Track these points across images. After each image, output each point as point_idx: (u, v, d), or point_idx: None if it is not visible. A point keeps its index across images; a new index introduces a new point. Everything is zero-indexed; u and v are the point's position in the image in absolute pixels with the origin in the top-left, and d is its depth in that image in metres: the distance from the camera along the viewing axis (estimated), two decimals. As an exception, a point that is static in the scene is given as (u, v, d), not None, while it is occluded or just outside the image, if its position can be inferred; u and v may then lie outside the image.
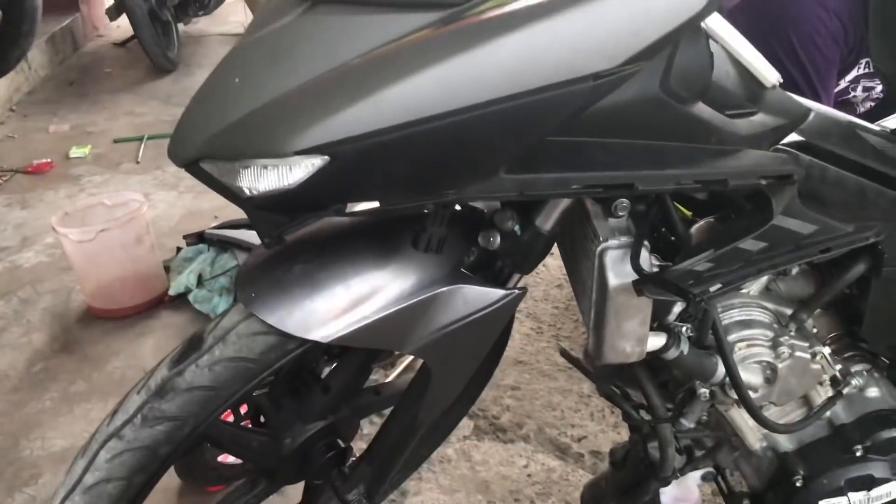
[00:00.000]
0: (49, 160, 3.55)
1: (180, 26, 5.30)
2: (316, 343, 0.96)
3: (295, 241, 1.00)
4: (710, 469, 1.36)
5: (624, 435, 1.87)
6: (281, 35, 0.89)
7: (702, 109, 0.89)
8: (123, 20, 4.86)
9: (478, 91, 0.73)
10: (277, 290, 0.96)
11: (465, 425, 1.88)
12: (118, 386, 2.08)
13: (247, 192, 0.84)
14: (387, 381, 1.96)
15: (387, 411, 1.84)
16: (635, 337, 1.05)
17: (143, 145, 3.69)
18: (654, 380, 1.20)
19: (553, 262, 2.49)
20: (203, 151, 0.86)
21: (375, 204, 0.85)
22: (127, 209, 2.36)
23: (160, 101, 4.38)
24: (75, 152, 3.64)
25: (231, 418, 1.25)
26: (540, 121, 0.77)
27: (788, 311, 1.18)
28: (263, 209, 0.89)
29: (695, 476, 1.36)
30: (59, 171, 3.49)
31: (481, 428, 1.89)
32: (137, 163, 3.53)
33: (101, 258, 2.28)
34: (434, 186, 0.83)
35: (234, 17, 6.06)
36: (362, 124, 0.76)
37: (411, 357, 2.06)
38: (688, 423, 1.23)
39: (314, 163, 0.78)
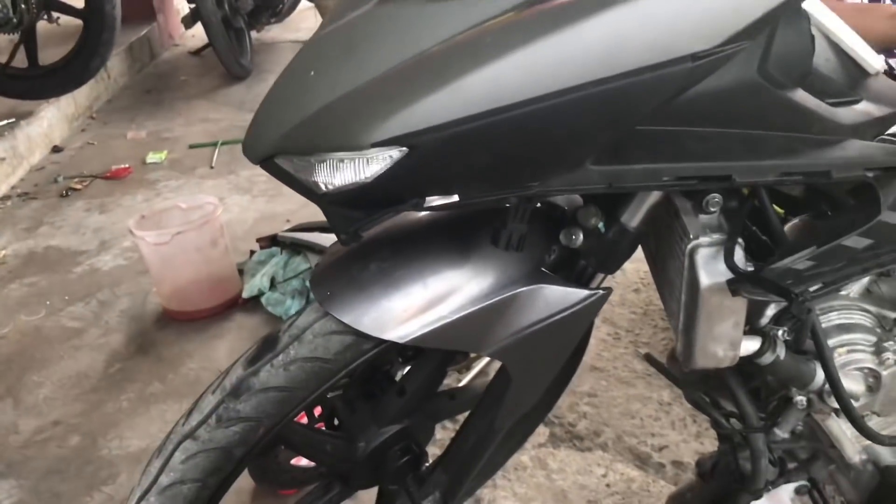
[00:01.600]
0: (127, 165, 3.63)
1: (253, 33, 5.39)
2: (392, 343, 0.93)
3: (370, 239, 0.97)
4: (805, 482, 1.28)
5: (707, 445, 1.79)
6: (356, 27, 0.87)
7: (802, 96, 0.83)
8: (198, 29, 4.96)
9: (566, 76, 0.69)
10: (353, 289, 0.93)
11: (541, 432, 1.83)
12: (193, 387, 2.09)
13: (322, 187, 0.82)
14: (460, 385, 1.93)
15: (460, 416, 1.82)
16: (728, 340, 0.99)
17: (217, 150, 3.74)
18: (745, 386, 1.13)
19: (630, 266, 2.41)
20: (278, 147, 0.84)
21: (454, 198, 0.81)
22: (202, 212, 2.38)
23: (234, 107, 4.44)
24: (152, 158, 3.72)
25: (305, 420, 1.23)
26: (632, 106, 0.72)
27: (892, 315, 1.11)
28: (339, 205, 0.87)
29: (788, 489, 1.29)
30: (137, 177, 3.56)
31: (557, 435, 1.84)
32: (212, 168, 3.58)
33: (176, 261, 2.30)
34: (517, 178, 0.79)
35: (305, 23, 6.13)
36: (443, 114, 0.72)
37: (485, 361, 2.02)
38: (782, 432, 1.17)
39: (392, 155, 0.75)
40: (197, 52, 5.63)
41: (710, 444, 1.79)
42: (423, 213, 1.01)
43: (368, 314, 0.92)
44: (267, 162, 0.87)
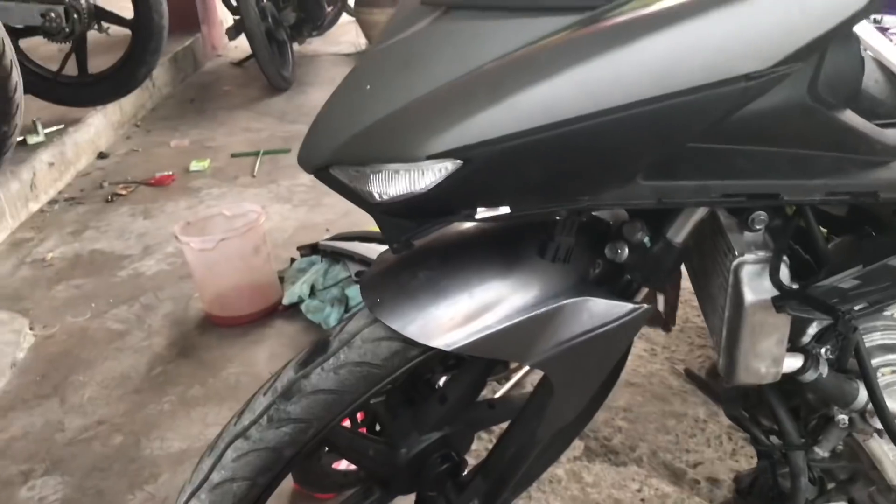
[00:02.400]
0: (171, 173, 3.70)
1: (295, 46, 5.46)
2: (438, 351, 0.95)
3: (419, 249, 0.99)
4: (843, 503, 1.28)
5: (743, 463, 1.79)
6: (413, 42, 0.89)
7: (850, 117, 0.85)
8: (241, 41, 5.04)
9: (621, 93, 0.71)
10: (402, 297, 0.96)
11: (576, 446, 1.84)
12: (233, 391, 2.12)
13: (377, 196, 0.85)
14: (497, 395, 1.94)
15: (496, 427, 1.83)
16: (771, 357, 1.00)
17: (258, 160, 3.80)
18: (785, 404, 1.14)
19: (666, 283, 2.42)
20: (333, 158, 0.87)
21: (505, 210, 0.83)
22: (245, 220, 2.42)
23: (275, 118, 4.51)
24: (195, 166, 3.78)
25: (348, 425, 1.26)
26: (685, 125, 0.74)
27: (937, 336, 1.11)
28: (391, 214, 0.89)
29: (826, 509, 1.28)
30: (180, 184, 3.63)
31: (592, 449, 1.84)
32: (253, 177, 3.64)
33: (219, 267, 2.35)
34: (569, 192, 0.81)
35: (345, 37, 6.20)
36: (498, 128, 0.75)
37: (522, 372, 2.03)
38: (822, 451, 1.17)
39: (447, 167, 0.78)
40: (239, 64, 5.72)
41: (746, 462, 1.78)
42: (471, 224, 1.04)
43: (416, 322, 0.94)
44: (321, 172, 0.90)
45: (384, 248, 2.55)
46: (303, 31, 5.51)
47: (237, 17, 4.81)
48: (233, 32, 5.04)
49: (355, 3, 5.71)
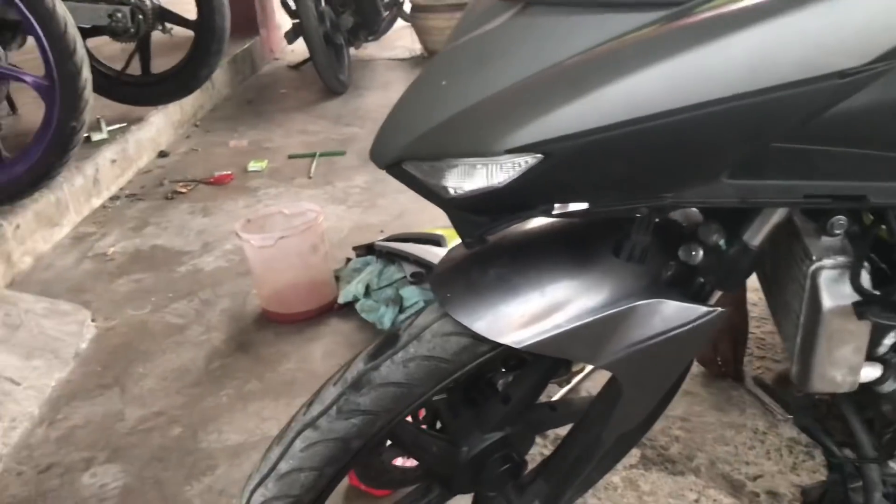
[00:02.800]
0: (229, 172, 3.76)
1: (351, 50, 5.51)
2: (507, 348, 0.95)
3: (490, 245, 0.99)
4: (916, 520, 1.25)
5: (804, 477, 1.75)
6: (491, 38, 0.89)
7: (944, 119, 0.82)
8: (297, 44, 5.11)
9: (708, 88, 0.70)
10: (472, 293, 0.96)
11: (633, 453, 1.81)
12: (289, 387, 2.15)
13: (451, 191, 0.85)
14: (554, 398, 1.93)
15: (551, 431, 1.82)
16: (848, 365, 0.98)
17: (315, 162, 3.84)
18: (860, 414, 1.11)
19: (725, 292, 2.38)
20: (407, 153, 0.87)
21: (584, 206, 0.83)
22: (304, 218, 2.45)
23: (330, 120, 4.55)
24: (253, 166, 3.84)
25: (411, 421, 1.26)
26: (774, 122, 0.73)
27: None
28: (466, 210, 0.89)
29: (898, 526, 1.25)
30: (238, 183, 3.68)
31: (649, 457, 1.82)
32: (310, 178, 3.68)
33: (278, 264, 2.38)
34: (651, 188, 0.80)
35: (400, 42, 6.25)
36: (581, 122, 0.74)
37: (581, 376, 2.02)
38: (896, 466, 1.14)
39: (526, 161, 0.78)
40: (296, 67, 5.79)
41: (807, 476, 1.74)
42: (543, 222, 1.03)
43: (486, 318, 0.94)
44: (394, 167, 0.90)
45: (439, 249, 2.56)
46: (359, 36, 5.56)
47: (296, 21, 4.87)
48: (291, 36, 5.10)
49: (411, 8, 5.75)
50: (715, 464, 1.80)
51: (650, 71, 0.72)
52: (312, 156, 3.92)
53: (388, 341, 1.00)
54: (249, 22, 5.81)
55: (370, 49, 6.21)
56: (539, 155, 0.77)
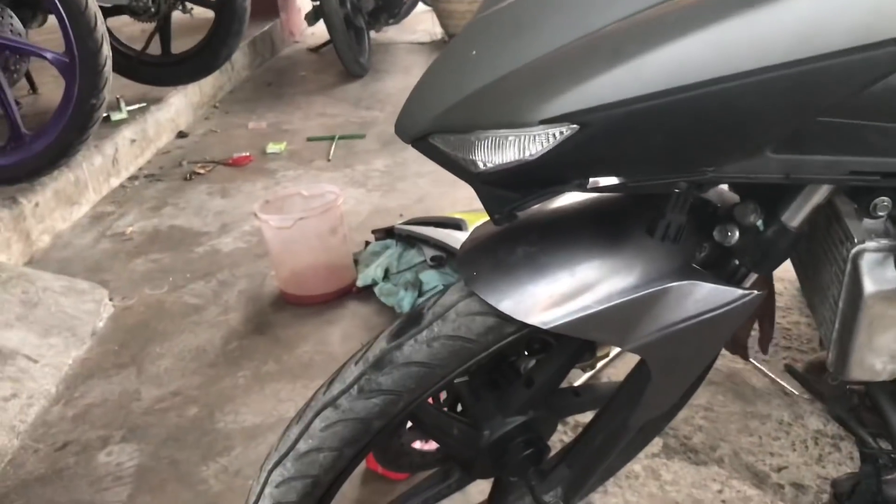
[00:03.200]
0: (248, 154, 3.74)
1: (371, 33, 5.48)
2: (534, 328, 0.92)
3: (518, 223, 0.96)
4: (950, 515, 1.21)
5: (830, 469, 1.71)
6: (524, 5, 0.86)
7: None
8: (317, 27, 5.09)
9: (756, 56, 0.67)
10: (499, 272, 0.93)
11: (654, 442, 1.78)
12: (306, 369, 2.13)
13: (480, 165, 0.82)
14: (577, 383, 1.90)
15: (572, 418, 1.79)
16: (889, 353, 0.94)
17: (334, 145, 3.82)
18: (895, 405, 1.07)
19: (750, 281, 2.34)
20: (434, 126, 0.84)
21: (620, 180, 0.79)
22: (323, 200, 2.43)
23: (350, 104, 4.52)
24: (272, 148, 3.82)
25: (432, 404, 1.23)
26: (824, 92, 0.69)
27: None
28: (495, 185, 0.86)
29: (930, 520, 1.21)
30: (257, 165, 3.67)
31: (671, 447, 1.79)
32: (328, 160, 3.66)
33: (296, 245, 2.36)
34: (691, 162, 0.77)
35: (421, 26, 6.20)
36: (619, 91, 0.71)
37: (605, 361, 1.99)
38: (932, 458, 1.10)
39: (561, 132, 0.74)
40: (316, 50, 5.77)
41: (833, 469, 1.71)
42: (572, 199, 1.00)
43: (513, 298, 0.91)
44: (420, 141, 0.87)
45: (460, 233, 2.52)
46: (380, 19, 5.53)
47: (316, 3, 4.84)
48: (311, 18, 5.07)
49: (432, -9, 5.71)
50: (739, 454, 1.76)
51: (694, 37, 0.69)
52: (332, 139, 3.90)
53: (411, 320, 0.97)
54: (270, 4, 5.79)
55: (391, 32, 6.17)
56: (575, 126, 0.73)
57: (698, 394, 1.93)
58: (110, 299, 2.55)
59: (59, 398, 2.08)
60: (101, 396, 2.08)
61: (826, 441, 1.78)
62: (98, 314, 2.43)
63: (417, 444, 1.43)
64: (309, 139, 3.95)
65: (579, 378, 1.96)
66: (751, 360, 2.05)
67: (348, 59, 4.85)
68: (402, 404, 0.94)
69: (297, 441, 0.96)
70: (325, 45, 5.51)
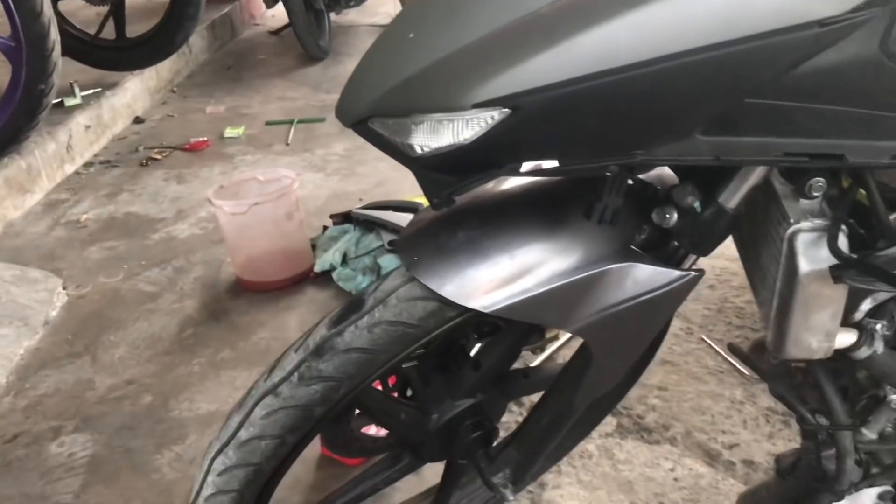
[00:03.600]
0: (205, 139, 3.70)
1: (332, 16, 5.42)
2: (475, 313, 0.92)
3: (459, 207, 0.96)
4: (889, 488, 1.23)
5: (780, 446, 1.74)
6: (459, -11, 0.85)
7: (926, 78, 0.79)
8: (278, 10, 5.02)
9: (683, 38, 0.67)
10: (440, 256, 0.93)
11: (608, 422, 1.80)
12: (263, 356, 2.11)
13: (418, 149, 0.81)
14: (533, 364, 1.91)
15: (528, 398, 1.80)
16: (824, 331, 0.95)
17: (293, 128, 3.78)
18: (835, 382, 1.09)
19: (705, 262, 2.36)
20: (373, 109, 0.83)
21: (553, 164, 0.79)
22: (279, 185, 2.40)
23: (310, 87, 4.48)
24: (229, 132, 3.78)
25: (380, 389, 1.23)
26: (751, 74, 0.69)
27: None
28: (432, 169, 0.86)
29: (870, 494, 1.24)
30: (214, 150, 3.62)
31: (625, 426, 1.81)
32: (287, 145, 3.63)
33: (252, 231, 2.34)
34: (622, 145, 0.77)
35: (383, 8, 6.15)
36: (549, 75, 0.71)
37: (558, 344, 2.00)
38: (870, 433, 1.12)
39: (493, 116, 0.74)
40: (276, 32, 5.70)
41: (784, 445, 1.74)
42: (513, 183, 1.00)
43: (454, 282, 0.91)
44: (360, 125, 0.86)
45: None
46: (340, 1, 5.46)
47: (275, -15, 4.78)
48: (270, 1, 5.01)
49: (394, -27, 5.66)
50: (691, 433, 1.79)
51: (623, 20, 0.69)
52: (291, 122, 3.86)
53: (352, 306, 0.96)
54: (229, -14, 5.70)
55: (352, 15, 6.11)
56: (507, 109, 0.73)
57: (652, 373, 1.96)
58: (64, 288, 2.51)
59: (10, 389, 2.05)
60: (54, 386, 2.05)
61: (777, 418, 1.81)
62: (51, 303, 2.40)
63: (373, 430, 1.43)
64: (268, 123, 3.91)
65: (535, 361, 1.97)
66: (704, 338, 2.08)
67: (308, 41, 4.80)
68: (343, 391, 0.94)
69: (238, 429, 0.96)
70: (285, 27, 5.44)
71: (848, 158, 0.79)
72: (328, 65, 4.90)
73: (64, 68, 3.05)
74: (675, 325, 2.16)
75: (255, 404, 0.95)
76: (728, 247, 1.15)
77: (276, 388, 0.94)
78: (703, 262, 1.00)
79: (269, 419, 0.94)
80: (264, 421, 0.94)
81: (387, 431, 1.31)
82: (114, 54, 4.02)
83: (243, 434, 0.95)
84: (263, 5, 5.42)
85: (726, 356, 2.00)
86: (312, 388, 0.93)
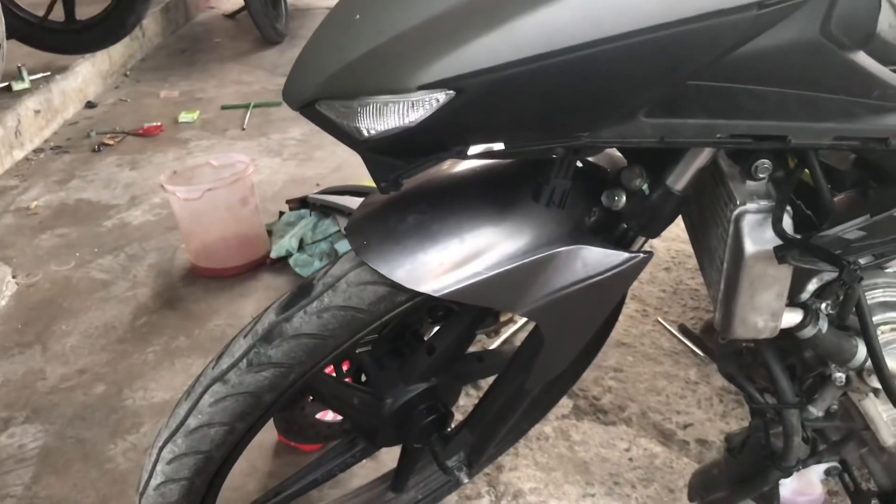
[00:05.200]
0: (159, 124, 3.64)
1: (289, -1, 5.36)
2: (426, 297, 0.92)
3: (409, 191, 0.96)
4: (836, 464, 1.26)
5: (733, 425, 1.77)
6: (406, -31, 0.84)
7: (864, 59, 0.80)
8: (234, -8, 4.95)
9: (625, 20, 0.67)
10: (390, 240, 0.92)
11: (564, 404, 1.82)
12: (218, 343, 2.09)
13: (364, 132, 0.80)
14: (491, 348, 1.92)
15: (484, 383, 1.81)
16: (770, 311, 0.97)
17: (249, 113, 3.74)
18: (782, 362, 1.11)
19: (661, 245, 2.39)
20: (320, 92, 0.82)
21: (499, 146, 0.79)
22: (233, 170, 2.37)
23: (267, 70, 4.43)
24: (184, 117, 3.72)
25: (333, 375, 1.23)
26: (691, 55, 0.70)
27: (940, 295, 1.08)
28: (380, 152, 0.85)
29: (818, 470, 1.27)
30: (168, 135, 3.57)
31: (581, 408, 1.82)
32: (243, 129, 3.58)
33: (206, 217, 2.30)
34: (567, 127, 0.77)
35: (340, -9, 6.08)
36: (493, 56, 0.70)
37: (514, 328, 2.01)
38: (816, 411, 1.15)
39: (438, 98, 0.74)
40: (232, 16, 5.62)
41: (737, 424, 1.77)
42: (463, 167, 1.00)
43: (404, 266, 0.90)
44: (308, 108, 0.85)
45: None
46: (297, -16, 5.41)
47: (230, -33, 4.71)
48: (225, -18, 4.93)
49: (351, -44, 5.59)
50: (646, 413, 1.81)
51: (565, 2, 0.68)
52: (247, 107, 3.81)
53: (301, 291, 0.95)
54: (182, -32, 5.60)
55: (309, -2, 6.05)
56: (451, 91, 0.73)
57: (608, 355, 1.98)
58: (13, 276, 2.46)
59: (-42, 380, 2.00)
60: (3, 377, 2.01)
61: (730, 398, 1.84)
62: (0, 292, 2.34)
63: (329, 416, 1.43)
64: (223, 107, 3.86)
65: (493, 344, 1.98)
66: (659, 320, 2.11)
67: (264, 24, 4.74)
68: (293, 377, 0.93)
69: (186, 417, 0.94)
70: (240, 10, 5.37)
71: (791, 140, 0.80)
72: (285, 48, 4.85)
73: (11, 51, 2.98)
74: (631, 306, 2.18)
75: (204, 392, 0.94)
76: (683, 229, 1.16)
77: (224, 375, 0.93)
78: (658, 245, 1.01)
79: (217, 406, 0.93)
80: (213, 408, 0.93)
81: (342, 417, 1.30)
82: (63, 37, 3.93)
83: (192, 422, 0.94)
84: (218, -12, 5.35)
85: (682, 337, 2.02)
86: (261, 375, 0.92)
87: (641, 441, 1.73)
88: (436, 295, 0.90)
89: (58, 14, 3.89)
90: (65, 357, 2.08)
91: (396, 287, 0.91)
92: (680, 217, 1.06)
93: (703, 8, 0.66)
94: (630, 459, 1.68)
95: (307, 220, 2.49)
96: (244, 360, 0.93)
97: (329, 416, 1.42)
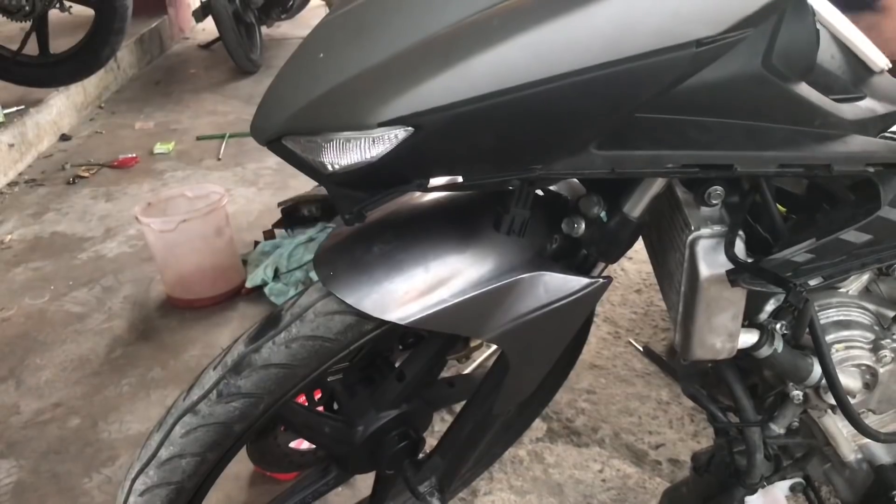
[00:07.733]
0: (134, 155, 3.65)
1: (263, 29, 5.40)
2: (393, 325, 0.94)
3: (374, 222, 0.98)
4: (800, 479, 1.29)
5: (704, 444, 1.80)
6: (366, 9, 0.88)
7: (806, 90, 0.84)
8: (208, 23, 4.98)
9: (572, 59, 0.70)
10: (356, 270, 0.94)
11: (538, 427, 1.84)
12: (194, 373, 2.06)
13: (329, 167, 0.83)
14: (463, 374, 1.94)
15: (458, 407, 1.82)
16: (726, 332, 1.00)
17: (224, 143, 3.76)
18: (742, 382, 1.14)
19: (632, 267, 2.43)
20: (286, 128, 0.85)
21: (458, 179, 0.82)
22: (208, 201, 2.39)
23: (242, 101, 4.46)
24: (159, 148, 3.73)
25: (305, 403, 1.24)
26: (636, 91, 0.73)
27: (890, 313, 1.11)
28: (345, 185, 0.87)
29: (783, 486, 1.29)
30: (144, 166, 3.58)
31: (555, 430, 1.84)
32: (219, 160, 3.60)
33: (181, 248, 2.31)
34: (521, 160, 0.80)
35: (315, 20, 6.08)
36: (448, 94, 0.73)
37: (486, 354, 2.03)
38: (778, 428, 1.18)
39: (397, 135, 0.76)
40: (206, 46, 5.65)
41: (707, 443, 1.79)
42: (427, 198, 1.02)
43: (370, 295, 0.93)
44: (274, 143, 0.88)
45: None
46: (271, 14, 5.45)
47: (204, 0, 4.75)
48: (200, 14, 4.97)
49: (325, -14, 5.66)
50: (619, 434, 1.83)
51: (515, 41, 0.72)
52: (222, 137, 3.83)
53: (269, 322, 0.97)
54: (157, 0, 5.63)
55: (284, 27, 6.10)
56: (409, 128, 0.75)
57: (581, 377, 2.00)
58: (-13, 311, 2.45)
59: (-69, 417, 1.99)
60: (-23, 413, 2.01)
61: (701, 417, 1.87)
62: (-26, 327, 2.34)
63: (304, 445, 1.44)
64: (198, 138, 3.88)
65: (465, 370, 2.00)
66: (631, 342, 2.14)
67: (239, 55, 4.77)
68: (263, 407, 0.95)
69: (158, 448, 0.95)
70: (215, 41, 5.41)
71: (738, 168, 0.83)
72: (260, 78, 4.88)
73: (-16, 86, 2.99)
74: (603, 328, 2.21)
75: (175, 423, 0.95)
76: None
77: (195, 406, 0.95)
78: (629, 267, 1.04)
79: (188, 437, 0.94)
80: (184, 439, 0.94)
81: (314, 446, 1.31)
82: (37, 71, 3.94)
83: (164, 453, 0.95)
84: (193, 19, 5.37)
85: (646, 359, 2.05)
86: (231, 405, 0.94)
87: (615, 462, 1.75)
88: (402, 323, 0.92)
89: (32, 48, 3.90)
90: (39, 391, 2.08)
91: (363, 316, 0.93)
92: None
93: (645, 47, 0.69)
94: (603, 480, 1.70)
95: (282, 248, 2.50)
96: (214, 391, 0.94)
97: (303, 444, 1.44)
